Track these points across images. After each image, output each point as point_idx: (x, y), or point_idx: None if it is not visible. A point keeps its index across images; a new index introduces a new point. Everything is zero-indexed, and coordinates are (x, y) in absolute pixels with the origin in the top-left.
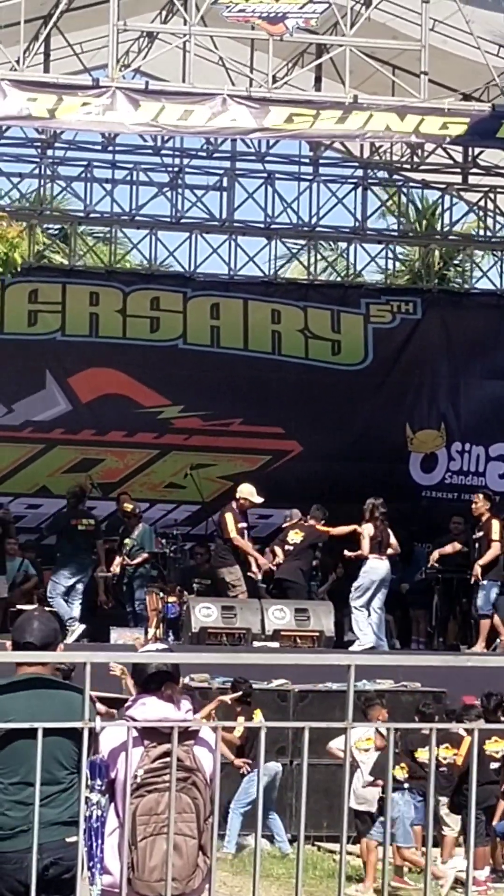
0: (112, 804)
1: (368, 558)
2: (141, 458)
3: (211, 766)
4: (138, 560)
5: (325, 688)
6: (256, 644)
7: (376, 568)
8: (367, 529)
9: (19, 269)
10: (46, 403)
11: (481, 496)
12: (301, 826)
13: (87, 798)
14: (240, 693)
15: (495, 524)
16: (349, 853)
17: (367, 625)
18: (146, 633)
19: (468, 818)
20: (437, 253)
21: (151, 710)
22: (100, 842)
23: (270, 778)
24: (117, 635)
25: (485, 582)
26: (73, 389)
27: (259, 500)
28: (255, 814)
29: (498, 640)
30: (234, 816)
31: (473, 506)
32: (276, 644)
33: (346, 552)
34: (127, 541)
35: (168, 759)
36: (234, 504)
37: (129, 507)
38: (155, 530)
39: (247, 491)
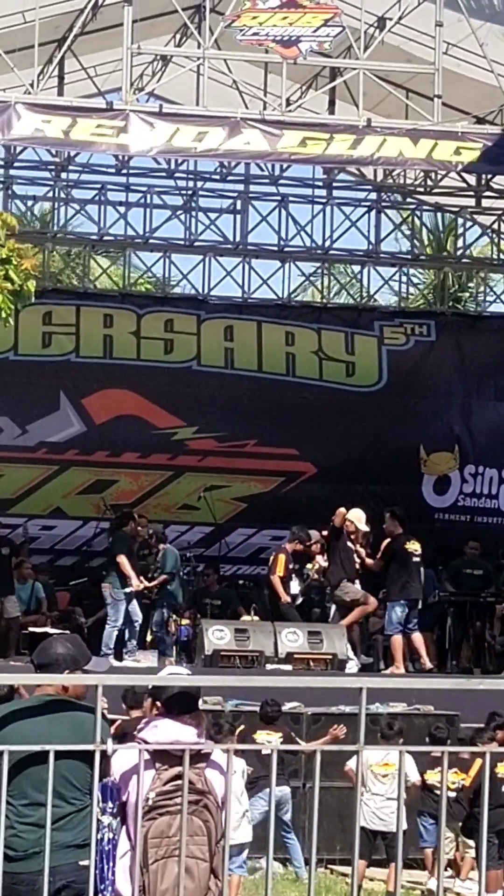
0: (124, 827)
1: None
2: (155, 480)
3: (223, 789)
4: (157, 582)
5: (337, 710)
6: (269, 667)
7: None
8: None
9: (33, 301)
10: (61, 424)
11: (388, 515)
12: (313, 849)
13: (98, 820)
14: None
15: (386, 543)
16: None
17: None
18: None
19: (480, 841)
20: (450, 276)
21: (163, 732)
22: (111, 864)
23: (276, 801)
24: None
25: (389, 603)
26: (87, 411)
27: (365, 528)
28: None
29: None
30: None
31: (384, 525)
32: (288, 667)
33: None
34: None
35: (180, 781)
36: (288, 546)
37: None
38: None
39: (355, 516)
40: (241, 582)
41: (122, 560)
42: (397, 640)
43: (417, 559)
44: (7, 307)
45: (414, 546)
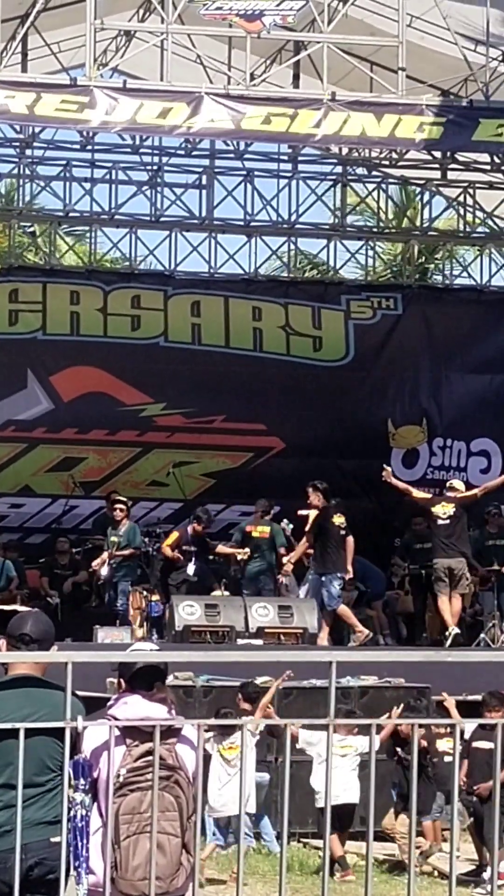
0: (95, 804)
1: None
2: (123, 457)
3: (193, 765)
4: (126, 553)
5: (309, 685)
6: (240, 642)
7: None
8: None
9: None
10: (28, 403)
11: (310, 489)
12: (284, 823)
13: (70, 797)
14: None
15: (312, 514)
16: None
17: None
18: (132, 632)
19: (491, 814)
20: (416, 249)
21: (133, 708)
22: (85, 841)
23: (256, 785)
24: (104, 634)
25: (324, 578)
26: (55, 388)
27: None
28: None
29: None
30: (208, 819)
31: (308, 500)
32: (259, 641)
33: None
34: (114, 538)
35: (150, 757)
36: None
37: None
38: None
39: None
40: (210, 557)
41: None
42: (345, 610)
43: (343, 532)
44: None
45: (340, 519)
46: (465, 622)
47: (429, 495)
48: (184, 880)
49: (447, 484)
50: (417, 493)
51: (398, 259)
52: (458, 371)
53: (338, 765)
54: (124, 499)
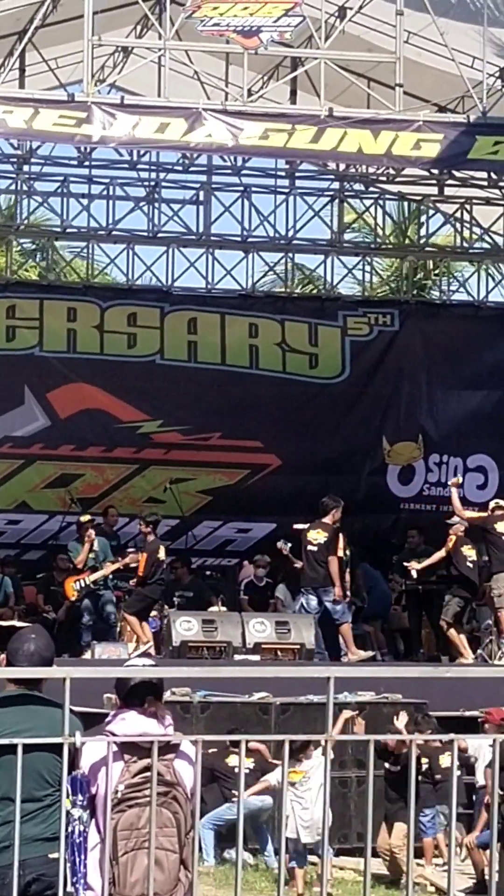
0: (93, 819)
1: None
2: (120, 473)
3: (191, 781)
4: (100, 575)
5: (306, 700)
6: (237, 657)
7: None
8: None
9: None
10: (25, 419)
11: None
12: (283, 838)
13: (68, 813)
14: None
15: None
16: (334, 866)
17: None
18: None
19: (492, 823)
20: (413, 265)
21: (131, 724)
22: (83, 857)
23: (255, 810)
24: (101, 650)
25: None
26: (52, 405)
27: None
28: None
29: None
30: (206, 832)
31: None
32: (256, 657)
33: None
34: (91, 555)
35: (148, 773)
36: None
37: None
38: (136, 544)
39: None
40: (208, 573)
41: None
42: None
43: (312, 548)
44: None
45: (312, 535)
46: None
47: (483, 514)
48: None
49: (494, 503)
50: (469, 513)
51: (395, 275)
52: (455, 387)
53: (302, 796)
54: (91, 518)
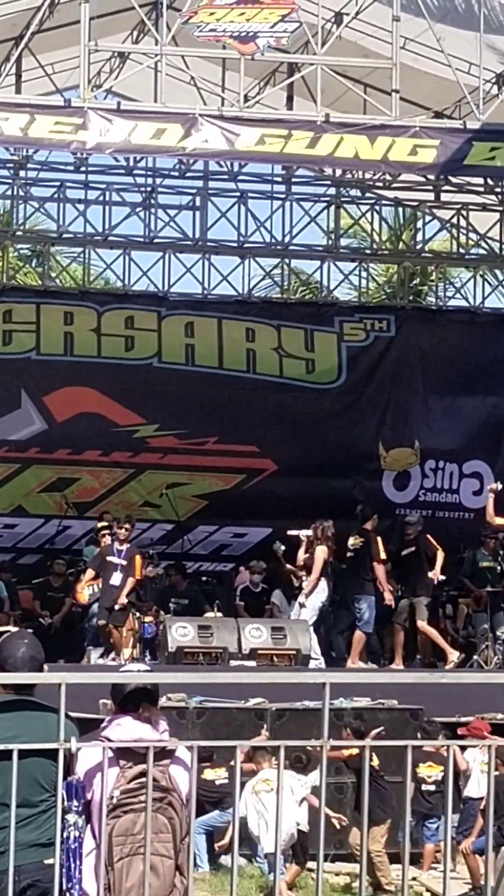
0: (89, 825)
1: (321, 580)
2: (116, 478)
3: (187, 786)
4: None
5: (302, 706)
6: (233, 663)
7: (325, 590)
8: (322, 552)
9: None
10: (22, 422)
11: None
12: (277, 844)
13: (64, 819)
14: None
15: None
16: (326, 871)
17: (316, 644)
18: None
19: (487, 828)
20: (410, 270)
21: (127, 730)
22: (78, 863)
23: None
24: (97, 655)
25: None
26: (49, 408)
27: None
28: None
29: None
30: (197, 836)
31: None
32: (252, 663)
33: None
34: None
35: (144, 779)
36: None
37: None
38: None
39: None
40: (203, 579)
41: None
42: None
43: (352, 555)
44: None
45: (352, 542)
46: (459, 643)
47: None
48: None
49: None
50: (500, 520)
51: (391, 281)
52: (451, 393)
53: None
54: (107, 523)
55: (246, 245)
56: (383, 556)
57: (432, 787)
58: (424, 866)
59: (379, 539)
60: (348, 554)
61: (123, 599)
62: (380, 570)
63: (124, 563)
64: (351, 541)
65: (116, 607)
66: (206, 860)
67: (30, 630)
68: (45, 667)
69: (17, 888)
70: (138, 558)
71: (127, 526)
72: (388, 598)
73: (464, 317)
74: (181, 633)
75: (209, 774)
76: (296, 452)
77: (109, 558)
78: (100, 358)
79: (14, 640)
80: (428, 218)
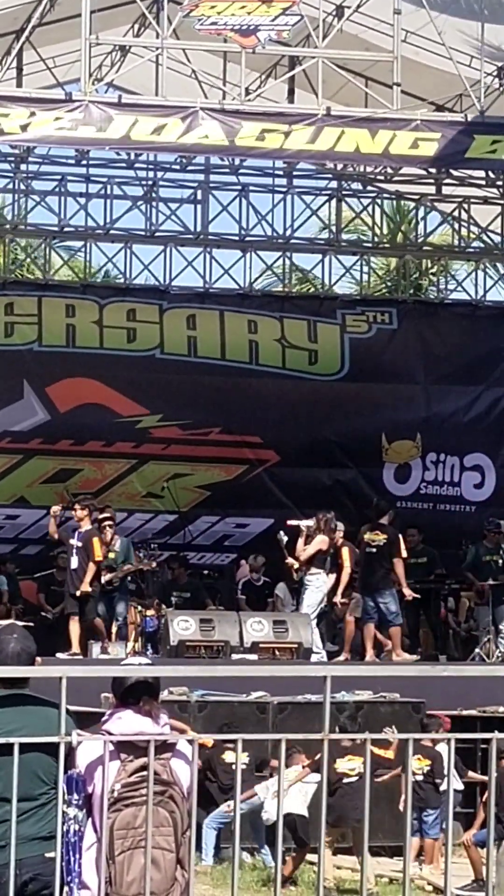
0: (90, 819)
1: (320, 573)
2: (119, 468)
3: (188, 780)
4: (125, 570)
5: (303, 699)
6: (235, 657)
7: (327, 582)
8: (321, 542)
9: None
10: (24, 413)
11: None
12: (279, 838)
13: (64, 813)
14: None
15: (345, 551)
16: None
17: (318, 637)
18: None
19: (488, 820)
20: (411, 264)
21: (128, 723)
22: (78, 856)
23: (255, 807)
24: (99, 649)
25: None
26: (52, 399)
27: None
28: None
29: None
30: (209, 831)
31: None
32: (254, 656)
33: (291, 561)
34: (111, 554)
35: (145, 772)
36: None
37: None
38: (132, 542)
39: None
40: (205, 572)
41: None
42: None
43: (371, 549)
44: None
45: (369, 537)
46: (460, 637)
47: None
48: (178, 895)
49: None
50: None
51: (393, 274)
52: (452, 386)
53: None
54: (110, 514)
55: (247, 238)
56: (405, 553)
57: (420, 778)
58: (426, 860)
59: (400, 535)
60: (368, 550)
61: (87, 587)
62: (399, 566)
63: (79, 544)
64: (368, 535)
65: (78, 593)
66: (211, 855)
67: (31, 623)
68: (38, 659)
69: (19, 882)
70: (96, 540)
71: (79, 507)
72: (408, 593)
73: (465, 310)
74: (183, 626)
75: (229, 756)
76: (298, 443)
77: (71, 541)
78: (102, 349)
79: (3, 634)
80: (429, 211)
